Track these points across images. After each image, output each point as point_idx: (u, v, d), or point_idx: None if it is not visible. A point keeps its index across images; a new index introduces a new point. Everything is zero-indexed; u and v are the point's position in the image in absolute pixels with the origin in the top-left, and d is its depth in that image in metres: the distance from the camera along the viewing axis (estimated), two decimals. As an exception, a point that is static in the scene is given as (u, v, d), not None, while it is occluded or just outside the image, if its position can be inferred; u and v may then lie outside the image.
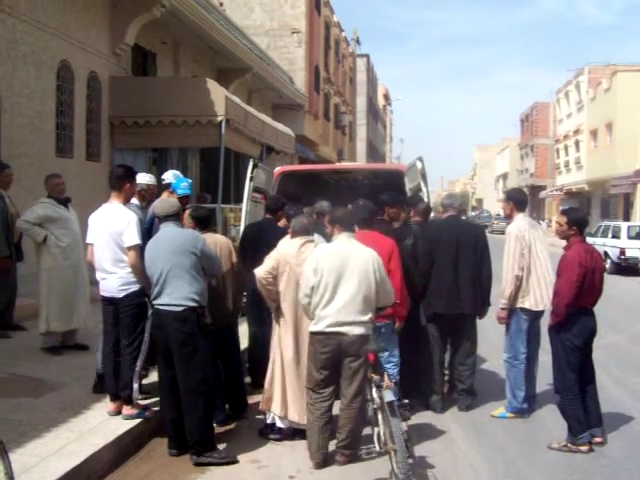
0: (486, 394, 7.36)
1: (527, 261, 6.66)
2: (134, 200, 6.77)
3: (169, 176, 7.63)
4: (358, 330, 5.37)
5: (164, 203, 6.04)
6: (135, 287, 5.85)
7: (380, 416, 5.20)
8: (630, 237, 23.06)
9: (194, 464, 5.44)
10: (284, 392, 5.99)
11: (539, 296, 6.68)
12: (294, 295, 5.95)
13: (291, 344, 6.01)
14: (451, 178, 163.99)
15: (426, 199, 7.97)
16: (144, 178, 7.45)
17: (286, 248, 6.10)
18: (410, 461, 4.86)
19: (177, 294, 5.51)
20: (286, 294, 6.02)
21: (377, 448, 5.17)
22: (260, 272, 6.01)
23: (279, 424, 6.05)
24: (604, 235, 24.25)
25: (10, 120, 10.45)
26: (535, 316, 6.79)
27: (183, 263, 5.54)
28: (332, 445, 5.60)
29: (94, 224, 6.01)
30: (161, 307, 5.55)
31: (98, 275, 6.10)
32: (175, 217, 5.79)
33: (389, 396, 5.07)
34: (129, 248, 5.77)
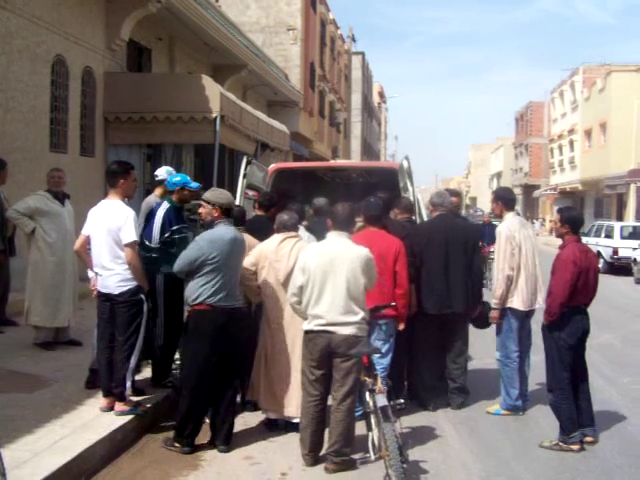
0: (479, 392, 7.38)
1: (517, 261, 6.67)
2: None
3: (162, 172, 7.61)
4: (348, 330, 5.32)
5: (224, 194, 5.97)
6: (132, 284, 5.84)
7: (373, 421, 5.20)
8: (623, 237, 23.14)
9: (222, 452, 5.64)
10: (265, 384, 6.15)
11: (527, 296, 6.70)
12: (274, 290, 6.09)
13: (272, 337, 6.15)
14: (445, 176, 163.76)
15: (412, 199, 7.95)
16: None
17: (266, 244, 6.20)
18: (404, 466, 4.83)
19: (239, 293, 5.84)
20: (265, 289, 6.14)
21: (372, 457, 5.16)
22: None
23: (270, 416, 6.22)
24: (597, 235, 24.33)
25: (4, 114, 10.41)
26: (524, 315, 6.81)
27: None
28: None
29: (92, 218, 5.98)
30: (229, 306, 5.65)
31: (91, 273, 6.10)
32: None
33: (382, 401, 5.04)
34: (127, 245, 5.75)
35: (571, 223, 6.08)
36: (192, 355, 5.71)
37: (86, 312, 7.65)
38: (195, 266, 5.55)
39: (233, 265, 5.70)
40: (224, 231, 5.69)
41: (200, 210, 5.89)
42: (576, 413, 5.96)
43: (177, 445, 5.61)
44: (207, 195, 5.86)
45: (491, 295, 6.86)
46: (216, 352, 5.62)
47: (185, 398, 5.68)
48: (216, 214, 5.75)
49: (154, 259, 6.49)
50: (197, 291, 5.57)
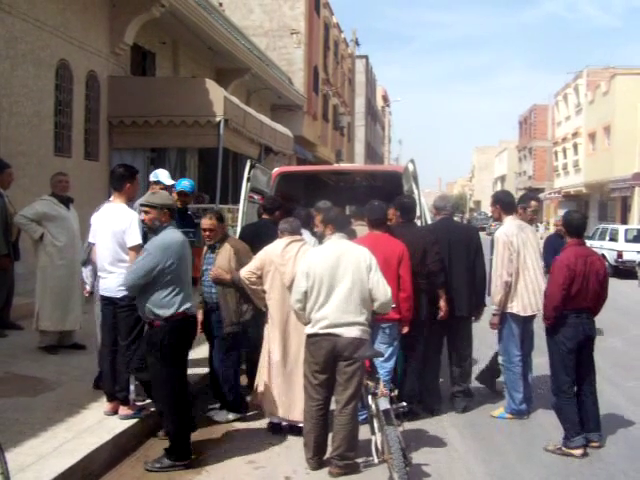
0: (482, 396, 7.38)
1: (515, 266, 6.63)
2: None
3: (151, 176, 7.64)
4: (353, 332, 5.30)
5: (166, 195, 5.71)
6: None
7: (376, 424, 5.19)
8: (627, 240, 23.10)
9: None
10: (269, 388, 6.13)
11: (527, 301, 6.66)
12: (279, 294, 6.08)
13: (277, 342, 6.13)
14: (449, 180, 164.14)
15: (417, 202, 7.94)
16: None
17: (271, 248, 6.18)
18: (408, 469, 4.83)
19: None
20: (271, 293, 6.13)
21: (375, 460, 5.14)
22: (243, 272, 6.15)
23: (274, 420, 6.20)
24: (602, 238, 24.28)
25: (8, 119, 10.44)
26: (525, 320, 6.78)
27: None
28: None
29: (96, 224, 5.99)
30: (194, 313, 5.66)
31: (85, 272, 6.14)
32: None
33: (384, 404, 5.03)
34: (131, 248, 5.76)
35: (567, 226, 6.07)
36: (171, 371, 5.32)
37: (91, 316, 7.65)
38: (152, 277, 5.18)
39: (186, 269, 5.46)
40: (175, 235, 5.37)
41: (144, 217, 5.39)
42: (583, 418, 5.93)
43: (179, 463, 5.35)
44: (152, 199, 5.42)
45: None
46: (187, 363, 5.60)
47: (174, 418, 5.40)
48: (164, 218, 5.35)
49: None
50: (170, 302, 5.24)
